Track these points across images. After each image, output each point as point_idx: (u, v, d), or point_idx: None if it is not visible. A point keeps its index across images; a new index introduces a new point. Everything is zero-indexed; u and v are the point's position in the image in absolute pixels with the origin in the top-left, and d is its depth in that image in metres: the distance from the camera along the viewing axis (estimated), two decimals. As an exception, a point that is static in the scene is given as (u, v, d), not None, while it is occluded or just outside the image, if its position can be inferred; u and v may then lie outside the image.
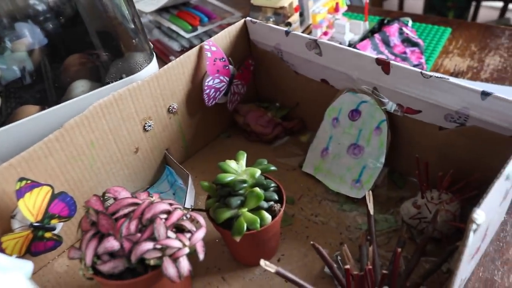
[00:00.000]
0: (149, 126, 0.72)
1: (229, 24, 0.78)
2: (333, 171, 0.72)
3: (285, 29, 0.75)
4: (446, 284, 0.50)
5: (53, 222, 0.62)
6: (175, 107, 0.74)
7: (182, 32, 1.11)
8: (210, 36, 1.09)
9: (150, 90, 0.69)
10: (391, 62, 0.63)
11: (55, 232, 0.63)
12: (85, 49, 0.88)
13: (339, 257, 0.62)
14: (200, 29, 1.10)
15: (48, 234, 0.62)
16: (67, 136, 0.63)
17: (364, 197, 0.66)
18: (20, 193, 0.58)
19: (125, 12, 0.75)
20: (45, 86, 0.85)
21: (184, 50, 1.08)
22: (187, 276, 0.56)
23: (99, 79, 0.81)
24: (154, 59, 0.77)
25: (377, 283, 0.53)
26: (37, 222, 0.60)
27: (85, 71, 0.84)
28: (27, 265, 0.48)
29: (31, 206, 0.59)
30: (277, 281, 0.61)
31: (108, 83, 0.73)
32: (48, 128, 0.65)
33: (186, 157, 0.82)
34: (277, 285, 0.61)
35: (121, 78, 0.73)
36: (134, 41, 0.77)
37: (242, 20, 0.80)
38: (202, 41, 1.10)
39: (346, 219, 0.68)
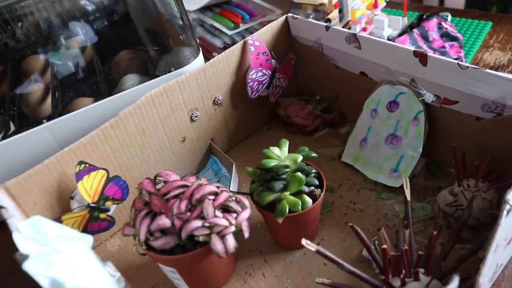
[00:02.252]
0: (196, 116, 0.76)
1: (270, 21, 0.82)
2: (371, 160, 0.75)
3: (325, 24, 0.77)
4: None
5: (108, 203, 0.67)
6: (220, 99, 0.78)
7: (224, 29, 1.15)
8: (252, 33, 1.13)
9: (197, 83, 0.74)
10: (428, 54, 0.65)
11: (109, 213, 0.68)
12: (134, 46, 0.93)
13: (376, 242, 0.65)
14: (242, 26, 1.14)
15: (102, 215, 0.67)
16: (121, 124, 0.68)
17: (401, 186, 0.68)
18: (79, 176, 0.63)
19: (174, 9, 0.79)
20: (97, 80, 0.91)
21: (226, 46, 1.12)
22: (232, 255, 0.60)
23: (147, 72, 0.86)
24: (201, 53, 0.81)
25: (413, 265, 0.55)
26: (93, 203, 0.65)
27: (135, 65, 0.89)
28: (89, 238, 0.52)
29: (89, 188, 0.64)
30: (316, 263, 0.64)
31: (158, 76, 0.78)
32: (103, 118, 0.69)
33: (229, 147, 0.86)
34: (316, 267, 0.64)
35: (170, 71, 0.78)
36: (181, 36, 0.81)
37: (284, 16, 0.83)
38: (244, 38, 1.14)
39: (384, 207, 0.71)
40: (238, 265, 0.66)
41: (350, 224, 0.55)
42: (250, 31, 1.15)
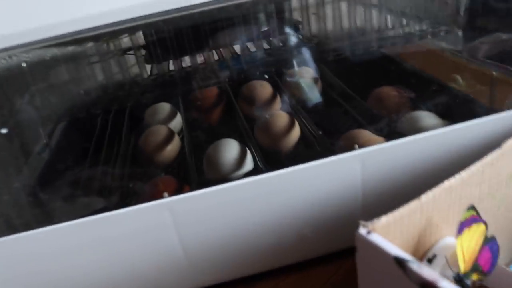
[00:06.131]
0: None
1: None
2: None
3: None
4: None
5: (473, 278, 0.46)
6: None
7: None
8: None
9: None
10: None
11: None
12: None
13: None
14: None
15: (463, 294, 0.45)
16: (498, 163, 0.49)
17: None
18: (461, 227, 0.44)
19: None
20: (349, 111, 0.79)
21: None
22: None
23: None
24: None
25: None
26: (463, 273, 0.44)
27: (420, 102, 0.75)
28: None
29: (466, 248, 0.44)
30: None
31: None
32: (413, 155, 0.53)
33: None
34: None
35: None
36: None
37: None
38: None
39: None
40: None
41: None
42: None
